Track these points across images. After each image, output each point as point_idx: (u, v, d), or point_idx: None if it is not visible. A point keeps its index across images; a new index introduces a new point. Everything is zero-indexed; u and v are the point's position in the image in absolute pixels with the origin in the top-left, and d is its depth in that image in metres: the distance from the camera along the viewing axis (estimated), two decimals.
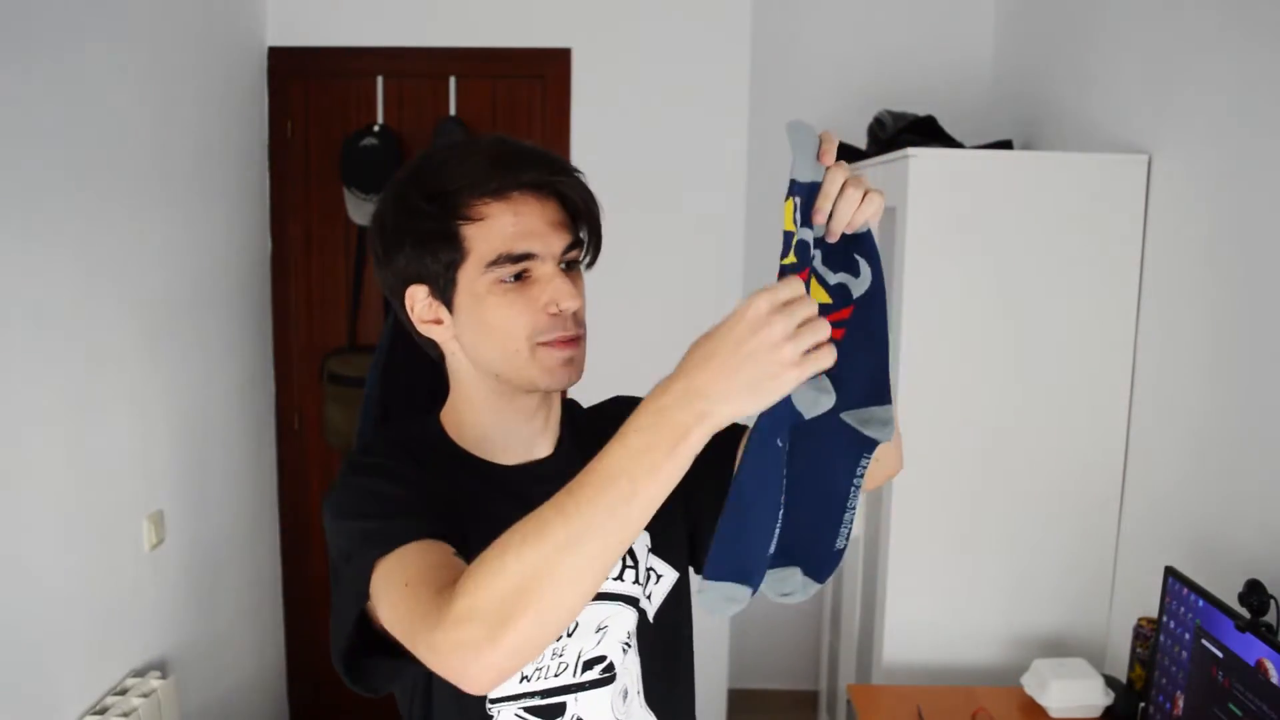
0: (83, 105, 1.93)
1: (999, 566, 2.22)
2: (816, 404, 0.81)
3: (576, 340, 0.97)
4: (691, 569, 1.14)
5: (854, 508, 0.91)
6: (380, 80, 2.87)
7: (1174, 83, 2.02)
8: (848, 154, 2.91)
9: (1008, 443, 2.18)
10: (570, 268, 0.99)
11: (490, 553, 0.75)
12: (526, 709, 1.00)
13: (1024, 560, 2.21)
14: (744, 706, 3.33)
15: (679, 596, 1.11)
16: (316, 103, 2.90)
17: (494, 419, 1.03)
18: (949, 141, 2.65)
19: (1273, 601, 1.52)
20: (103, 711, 1.91)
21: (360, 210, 2.82)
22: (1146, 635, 1.93)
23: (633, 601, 1.04)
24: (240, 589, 2.74)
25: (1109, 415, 2.16)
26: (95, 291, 1.98)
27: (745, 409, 0.71)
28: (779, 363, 0.70)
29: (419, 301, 0.98)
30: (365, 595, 0.88)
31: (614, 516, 0.72)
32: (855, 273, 0.87)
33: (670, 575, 1.09)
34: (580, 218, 0.98)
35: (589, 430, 1.11)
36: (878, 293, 0.88)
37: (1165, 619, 1.75)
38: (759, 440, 0.80)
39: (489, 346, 0.97)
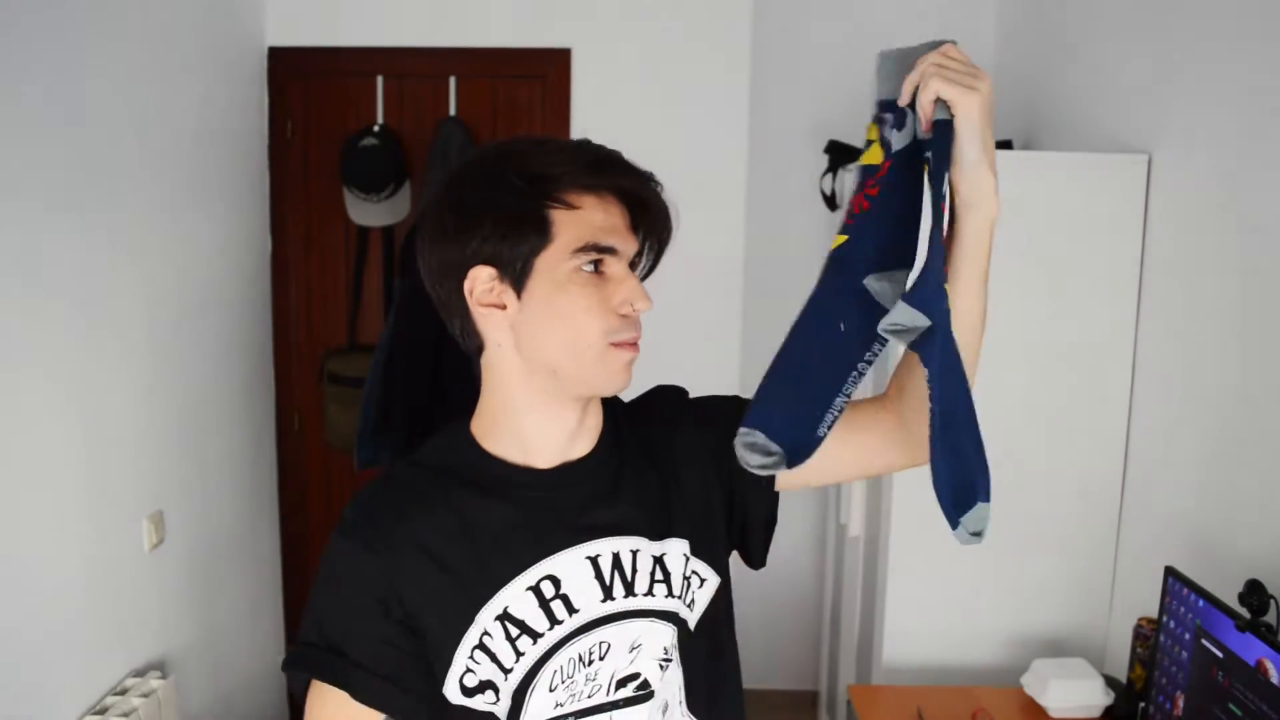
0: (82, 106, 1.93)
1: (999, 566, 2.22)
2: (885, 295, 0.92)
3: (637, 344, 0.98)
4: (745, 563, 1.15)
5: (849, 395, 0.94)
6: (380, 80, 2.87)
7: (1174, 83, 2.02)
8: (847, 154, 2.91)
9: (1007, 442, 2.17)
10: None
11: None
12: None
13: (1024, 560, 2.21)
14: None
15: (721, 600, 1.09)
16: (316, 103, 2.90)
17: (534, 421, 1.00)
18: None
19: (1273, 601, 1.52)
20: (103, 711, 1.91)
21: (360, 210, 2.82)
22: (1146, 635, 1.93)
23: (669, 616, 1.02)
24: (240, 589, 2.74)
25: (1109, 415, 2.16)
26: (95, 292, 1.98)
27: None
28: None
29: (480, 284, 0.95)
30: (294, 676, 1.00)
31: None
32: (901, 126, 0.91)
33: (714, 580, 1.08)
34: (651, 227, 0.99)
35: (630, 427, 1.09)
36: (916, 153, 0.91)
37: (1165, 619, 1.75)
38: (813, 312, 0.93)
39: (557, 339, 0.95)
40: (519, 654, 0.96)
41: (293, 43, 2.85)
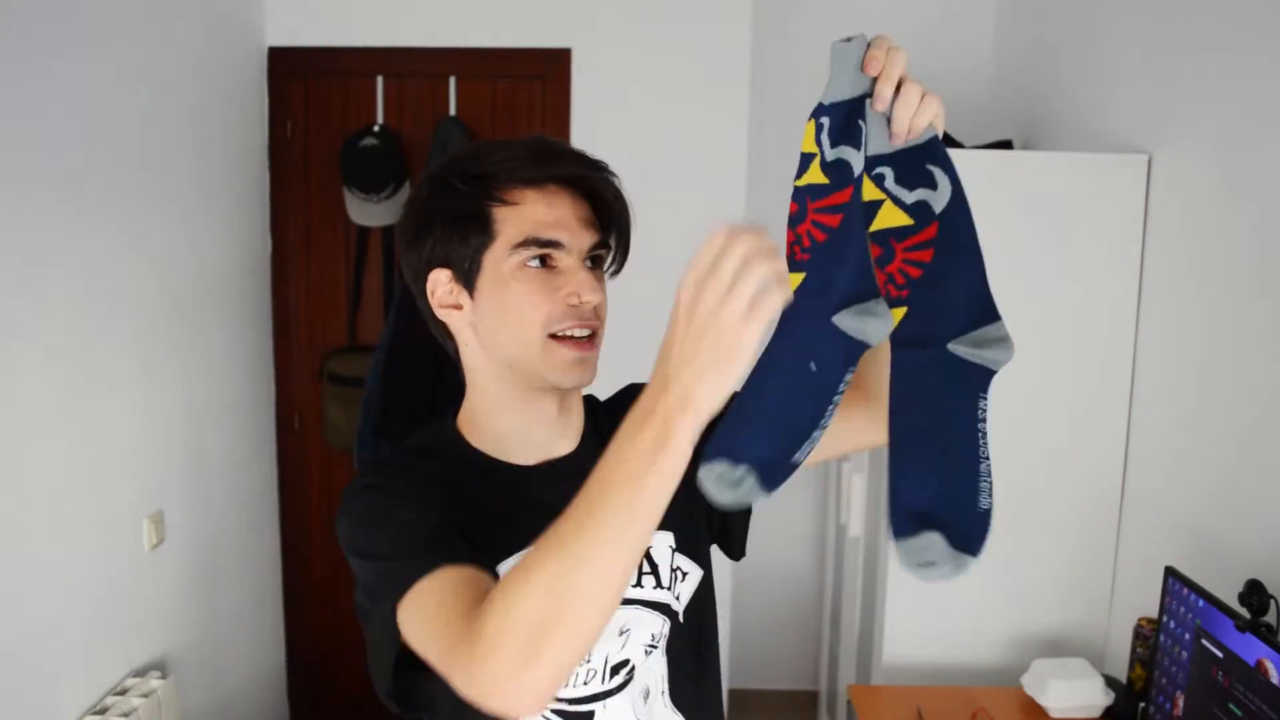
0: (82, 105, 1.93)
1: (999, 566, 2.22)
2: (866, 329, 0.79)
3: (591, 340, 0.98)
4: (729, 559, 1.15)
5: (988, 458, 0.84)
6: (380, 80, 2.87)
7: (1174, 83, 2.02)
8: None
9: (1008, 442, 2.17)
10: (595, 265, 1.00)
11: (512, 576, 0.75)
12: (555, 711, 0.99)
13: (1024, 560, 2.21)
14: (744, 706, 3.33)
15: (704, 594, 1.10)
16: (316, 103, 2.90)
17: (510, 419, 1.02)
18: (949, 141, 2.65)
19: (1273, 601, 1.52)
20: (103, 711, 1.91)
21: (360, 210, 2.82)
22: (1146, 635, 1.93)
23: (658, 607, 1.03)
24: (240, 589, 2.74)
25: (1109, 415, 2.16)
26: (96, 292, 1.98)
27: (721, 384, 0.70)
28: (727, 326, 0.68)
29: (440, 286, 0.99)
30: (398, 633, 0.88)
31: (622, 528, 0.72)
32: (933, 185, 0.82)
33: (696, 573, 1.09)
34: (610, 219, 0.99)
35: (609, 424, 1.08)
36: (960, 202, 0.83)
37: (1165, 619, 1.75)
38: (777, 352, 0.79)
39: (505, 333, 0.97)
40: None
41: (293, 43, 2.85)
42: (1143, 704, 1.86)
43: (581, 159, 0.98)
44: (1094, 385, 2.16)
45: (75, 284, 1.91)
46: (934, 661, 2.24)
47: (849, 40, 0.80)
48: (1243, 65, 1.79)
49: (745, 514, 1.13)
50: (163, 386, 2.26)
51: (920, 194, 0.82)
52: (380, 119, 2.87)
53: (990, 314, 0.85)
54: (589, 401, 1.11)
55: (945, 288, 0.83)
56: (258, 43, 2.82)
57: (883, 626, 2.27)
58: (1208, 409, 1.88)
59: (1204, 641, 1.63)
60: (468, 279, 0.97)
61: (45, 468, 1.82)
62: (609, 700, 1.01)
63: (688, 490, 1.06)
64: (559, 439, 1.04)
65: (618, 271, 1.04)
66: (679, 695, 1.05)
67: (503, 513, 0.99)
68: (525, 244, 0.95)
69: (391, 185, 2.78)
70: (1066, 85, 2.57)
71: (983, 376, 0.84)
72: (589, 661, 1.00)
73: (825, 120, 0.80)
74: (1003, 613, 2.23)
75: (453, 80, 2.86)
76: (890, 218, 0.83)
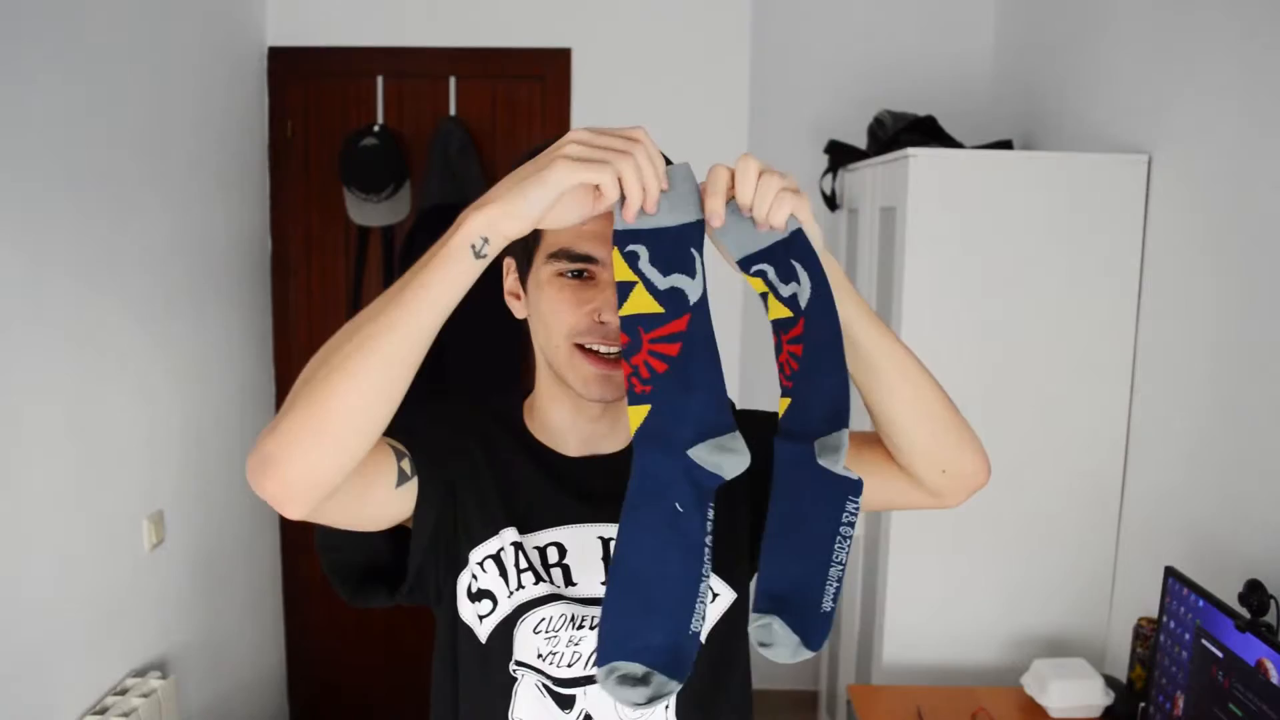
0: (82, 106, 1.93)
1: (999, 567, 2.22)
2: (722, 464, 0.83)
3: (617, 361, 0.95)
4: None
5: (842, 563, 0.84)
6: (380, 80, 2.87)
7: (1174, 83, 2.02)
8: (847, 154, 2.91)
9: (1008, 442, 2.17)
10: None
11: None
12: (543, 685, 1.00)
13: (1024, 560, 2.21)
14: None
15: (734, 617, 1.08)
16: (316, 103, 2.90)
17: (558, 412, 1.04)
18: (949, 141, 2.65)
19: (1273, 601, 1.52)
20: (103, 711, 1.91)
21: (360, 210, 2.82)
22: (1146, 635, 1.93)
23: None
24: (240, 589, 2.74)
25: (1109, 415, 2.16)
26: (96, 291, 1.98)
27: (510, 204, 0.77)
28: (549, 157, 0.77)
29: (511, 274, 1.03)
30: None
31: (392, 319, 0.78)
32: (799, 281, 0.82)
33: (728, 595, 1.07)
34: None
35: None
36: (821, 298, 0.82)
37: (1165, 619, 1.75)
38: (640, 504, 0.81)
39: (539, 334, 0.99)
40: (520, 585, 0.99)
41: (293, 43, 2.85)
42: (1143, 704, 1.86)
43: None
44: (1094, 385, 2.16)
45: (76, 284, 1.91)
46: (934, 661, 2.24)
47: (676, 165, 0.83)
48: (1243, 65, 1.79)
49: None
50: (163, 386, 2.26)
51: (793, 288, 0.83)
52: (380, 119, 2.87)
53: (839, 420, 0.84)
54: None
55: (812, 384, 0.84)
56: (258, 43, 2.82)
57: (883, 626, 2.27)
58: (1208, 408, 1.88)
59: (1204, 641, 1.63)
60: (522, 274, 1.00)
61: (45, 467, 1.82)
62: (590, 687, 1.01)
63: (730, 515, 1.02)
64: (606, 438, 1.05)
65: None
66: (685, 709, 1.04)
67: (539, 491, 1.02)
68: (557, 255, 0.94)
69: (391, 185, 2.78)
70: (1066, 85, 2.57)
71: (849, 483, 0.84)
72: (576, 645, 0.99)
73: (640, 249, 0.80)
74: (1003, 613, 2.23)
75: (453, 80, 2.86)
76: (775, 311, 0.84)
